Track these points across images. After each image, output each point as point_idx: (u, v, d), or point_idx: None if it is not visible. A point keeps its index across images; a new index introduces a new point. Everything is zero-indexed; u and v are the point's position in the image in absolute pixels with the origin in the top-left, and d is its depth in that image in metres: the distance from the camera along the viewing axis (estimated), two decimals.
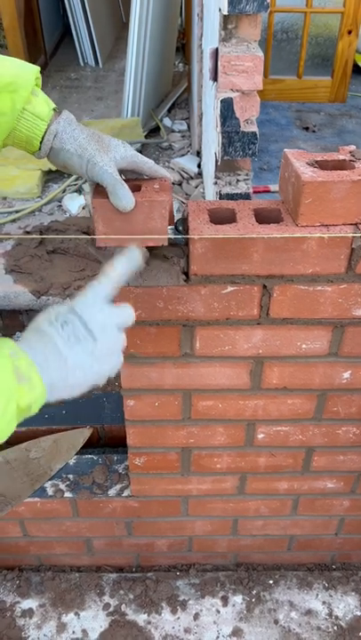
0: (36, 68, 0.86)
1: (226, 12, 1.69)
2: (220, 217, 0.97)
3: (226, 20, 1.75)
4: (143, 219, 0.89)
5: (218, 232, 0.92)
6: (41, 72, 0.88)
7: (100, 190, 0.88)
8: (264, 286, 0.99)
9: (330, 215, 0.91)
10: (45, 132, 0.85)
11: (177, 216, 0.97)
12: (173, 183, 3.13)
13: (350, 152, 0.96)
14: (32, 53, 4.37)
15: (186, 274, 0.98)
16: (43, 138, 0.85)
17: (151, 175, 0.92)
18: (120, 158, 0.88)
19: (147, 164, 0.91)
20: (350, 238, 0.92)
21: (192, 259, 0.95)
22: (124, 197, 0.85)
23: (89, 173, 0.86)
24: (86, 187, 3.00)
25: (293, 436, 1.24)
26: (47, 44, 4.91)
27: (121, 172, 0.88)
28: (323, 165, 0.93)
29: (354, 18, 3.88)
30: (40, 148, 0.87)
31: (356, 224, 0.93)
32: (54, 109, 0.87)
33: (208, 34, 2.33)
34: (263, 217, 0.96)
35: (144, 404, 1.17)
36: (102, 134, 0.89)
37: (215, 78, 1.91)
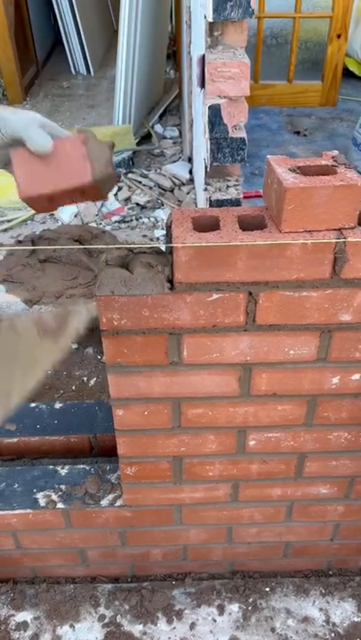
0: None
1: (211, 20, 1.69)
2: (204, 224, 0.96)
3: (211, 27, 1.76)
4: (64, 161, 0.87)
5: (201, 240, 0.92)
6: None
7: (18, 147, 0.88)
8: (250, 293, 0.98)
9: (313, 221, 0.91)
10: None
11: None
12: (165, 190, 3.14)
13: (333, 157, 0.96)
14: (23, 63, 4.38)
15: (171, 282, 0.98)
16: None
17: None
18: (29, 119, 0.87)
19: (54, 128, 0.90)
20: (334, 244, 0.92)
21: (176, 267, 0.95)
22: (39, 138, 0.86)
23: (3, 131, 0.87)
24: None
25: (285, 443, 1.24)
26: (38, 53, 4.93)
27: None
28: (305, 171, 0.92)
29: (343, 22, 3.91)
30: None
31: (339, 229, 0.93)
32: None
33: (196, 41, 2.34)
34: (247, 224, 0.96)
35: (133, 413, 1.16)
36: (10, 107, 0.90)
37: (203, 85, 1.92)
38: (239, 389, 1.13)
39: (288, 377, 1.11)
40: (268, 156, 0.97)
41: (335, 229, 0.92)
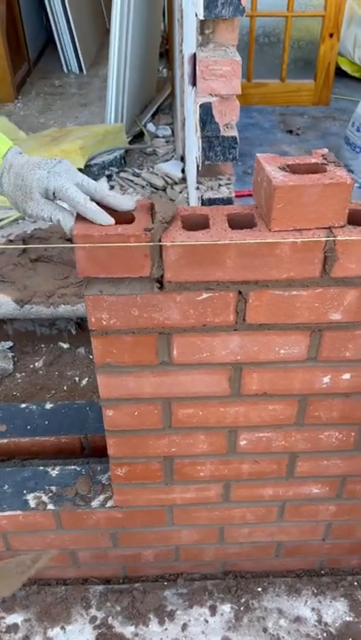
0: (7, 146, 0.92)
1: (202, 17, 1.68)
2: (194, 223, 0.96)
3: (203, 24, 1.75)
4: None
5: (190, 239, 0.91)
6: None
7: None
8: (239, 292, 0.98)
9: (302, 219, 0.91)
10: None
11: None
12: (158, 188, 3.13)
13: (322, 155, 0.95)
14: (15, 61, 4.35)
15: (160, 281, 0.97)
16: None
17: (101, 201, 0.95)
18: (43, 192, 0.90)
19: (75, 191, 0.91)
20: (324, 242, 0.92)
21: (166, 266, 0.94)
22: (65, 225, 0.91)
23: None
24: None
25: (276, 442, 1.23)
26: (30, 51, 4.89)
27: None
28: (295, 169, 0.92)
29: (335, 21, 3.91)
30: None
31: (329, 228, 0.92)
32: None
33: (187, 39, 2.33)
34: (237, 222, 0.95)
35: (123, 413, 1.15)
36: (30, 166, 0.90)
37: (194, 83, 1.91)
38: (230, 389, 1.12)
39: (279, 376, 1.11)
40: (258, 155, 0.96)
41: (325, 228, 0.92)
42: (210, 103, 1.81)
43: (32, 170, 0.89)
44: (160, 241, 0.90)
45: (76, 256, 0.91)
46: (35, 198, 0.89)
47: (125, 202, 0.92)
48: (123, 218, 0.91)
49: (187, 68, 2.11)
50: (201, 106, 1.81)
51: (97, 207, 0.89)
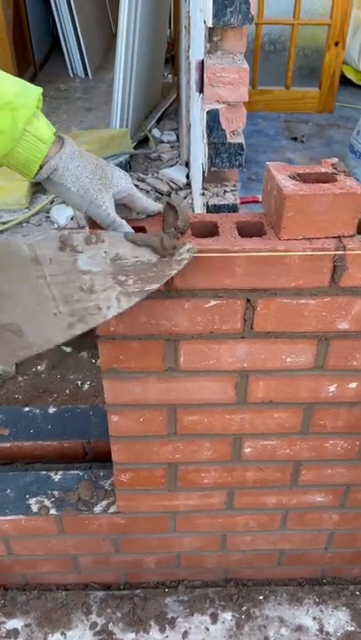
0: (39, 90, 0.85)
1: (211, 25, 1.69)
2: (203, 230, 0.96)
3: (211, 32, 1.75)
4: None
5: (200, 246, 0.91)
6: (30, 83, 0.87)
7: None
8: (247, 300, 0.98)
9: (312, 228, 0.91)
10: (45, 160, 0.84)
11: None
12: (162, 194, 3.13)
13: (333, 165, 0.96)
14: (21, 65, 4.37)
15: (168, 288, 0.97)
16: (42, 162, 0.84)
17: (142, 212, 0.95)
18: (117, 192, 0.89)
19: (140, 199, 0.93)
20: (333, 252, 0.92)
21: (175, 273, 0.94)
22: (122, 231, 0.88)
23: (89, 212, 0.88)
24: None
25: (281, 450, 1.23)
26: (36, 55, 4.92)
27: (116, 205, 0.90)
28: (305, 178, 0.92)
29: (340, 30, 3.92)
30: (36, 175, 0.86)
31: (338, 237, 0.92)
32: (55, 134, 0.86)
33: (195, 46, 2.34)
34: (246, 230, 0.95)
35: (128, 419, 1.15)
36: (105, 165, 0.88)
37: (201, 90, 1.91)
38: (235, 396, 1.12)
39: (285, 384, 1.11)
40: (268, 163, 0.96)
41: (334, 237, 0.92)
42: (217, 110, 1.82)
43: (110, 166, 0.89)
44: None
45: None
46: (110, 193, 0.87)
47: (153, 206, 0.96)
48: (134, 227, 0.91)
49: (194, 75, 2.12)
50: (208, 112, 1.82)
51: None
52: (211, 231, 0.95)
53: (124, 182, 0.89)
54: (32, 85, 0.84)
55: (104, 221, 0.88)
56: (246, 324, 1.01)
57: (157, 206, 0.96)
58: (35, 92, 0.83)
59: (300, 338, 1.03)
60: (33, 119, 0.82)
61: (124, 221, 0.89)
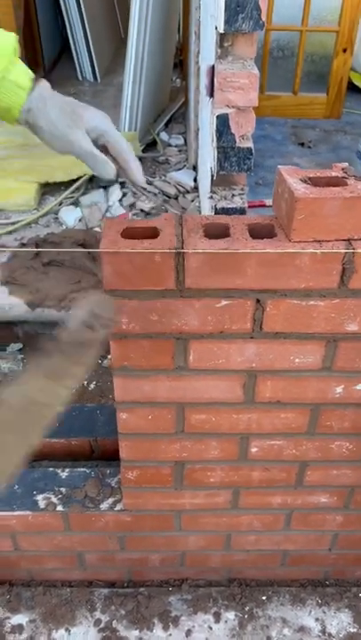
0: (14, 37, 0.86)
1: (222, 31, 1.71)
2: (215, 231, 0.97)
3: (222, 38, 1.78)
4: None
5: (212, 247, 0.93)
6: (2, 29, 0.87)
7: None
8: (257, 300, 0.99)
9: (323, 231, 0.92)
10: (24, 105, 0.85)
11: None
12: (170, 197, 3.15)
13: (343, 169, 0.97)
14: (30, 67, 4.37)
15: (180, 288, 0.99)
16: (21, 108, 0.85)
17: (117, 156, 0.91)
18: (92, 129, 0.88)
19: (117, 142, 0.90)
20: (343, 254, 0.93)
21: (187, 272, 0.96)
22: (104, 169, 0.88)
23: (64, 151, 0.88)
24: (83, 199, 3.01)
25: (287, 451, 1.24)
26: (46, 58, 4.95)
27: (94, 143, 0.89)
28: (316, 182, 0.94)
29: (348, 37, 3.95)
30: (17, 120, 0.87)
31: (348, 240, 0.94)
32: (32, 79, 0.87)
33: (205, 51, 2.36)
34: (257, 232, 0.97)
35: (137, 417, 1.17)
36: (77, 104, 0.88)
37: (211, 94, 1.94)
38: (243, 396, 1.14)
39: (292, 385, 1.12)
40: (280, 167, 0.98)
41: (344, 240, 0.94)
42: (227, 114, 1.84)
43: (83, 105, 0.88)
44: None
45: (102, 272, 0.94)
46: (81, 129, 0.86)
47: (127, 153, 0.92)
48: (147, 232, 0.93)
49: (204, 80, 2.14)
50: (218, 117, 1.84)
51: (139, 163, 0.90)
52: (222, 233, 0.97)
53: (98, 120, 0.88)
54: (6, 33, 0.85)
55: (82, 157, 0.87)
56: (256, 325, 1.02)
57: (131, 155, 0.91)
58: (10, 39, 0.85)
59: (309, 339, 1.05)
60: (11, 67, 0.84)
61: (105, 157, 0.88)
